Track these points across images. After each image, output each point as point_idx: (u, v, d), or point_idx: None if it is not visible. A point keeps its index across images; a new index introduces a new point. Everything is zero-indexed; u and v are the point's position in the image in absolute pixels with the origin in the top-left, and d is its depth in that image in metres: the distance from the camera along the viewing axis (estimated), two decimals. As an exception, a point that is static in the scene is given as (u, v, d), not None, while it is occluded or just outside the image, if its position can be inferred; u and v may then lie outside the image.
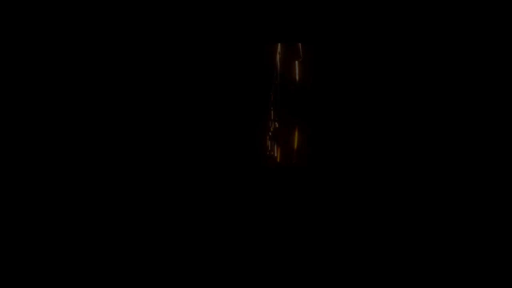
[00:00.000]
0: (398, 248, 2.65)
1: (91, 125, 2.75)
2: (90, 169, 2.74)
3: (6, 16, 2.67)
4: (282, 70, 3.20)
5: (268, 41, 2.95)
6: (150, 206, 2.75)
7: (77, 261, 2.61)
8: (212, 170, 2.81)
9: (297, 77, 3.20)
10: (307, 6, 2.81)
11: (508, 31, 2.60)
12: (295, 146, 3.17)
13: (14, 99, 2.68)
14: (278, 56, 3.23)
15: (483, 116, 2.65)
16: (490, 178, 2.64)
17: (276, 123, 3.20)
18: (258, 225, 2.77)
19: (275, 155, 3.21)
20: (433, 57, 2.72)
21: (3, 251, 2.57)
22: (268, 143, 3.20)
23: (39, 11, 2.70)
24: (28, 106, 2.69)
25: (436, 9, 2.69)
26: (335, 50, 2.83)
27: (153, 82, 2.79)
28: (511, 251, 2.52)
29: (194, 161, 2.80)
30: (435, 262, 2.60)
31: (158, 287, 2.57)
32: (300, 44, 3.14)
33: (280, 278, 2.59)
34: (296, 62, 3.20)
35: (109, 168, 2.75)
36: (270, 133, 3.19)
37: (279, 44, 3.17)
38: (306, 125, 3.08)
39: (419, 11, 2.72)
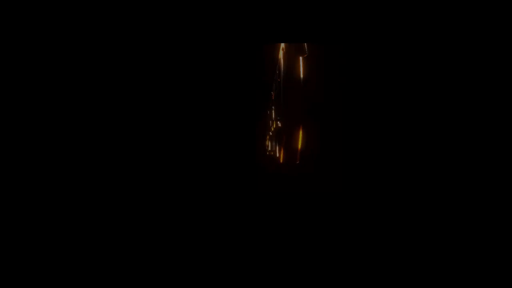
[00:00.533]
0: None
1: (88, 126, 2.78)
2: (86, 170, 2.77)
3: (6, 16, 2.75)
4: (286, 67, 3.07)
5: (266, 41, 2.82)
6: (137, 208, 2.75)
7: (77, 261, 2.65)
8: (204, 171, 2.75)
9: (301, 74, 3.05)
10: (307, 5, 2.67)
11: None
12: (299, 146, 3.03)
13: (13, 99, 2.76)
14: (281, 52, 3.10)
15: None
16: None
17: (278, 122, 3.07)
18: (252, 228, 2.68)
19: (277, 155, 3.08)
20: (435, 58, 2.49)
21: (3, 251, 2.66)
22: (268, 143, 3.08)
23: (39, 11, 2.77)
24: (27, 107, 2.77)
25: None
26: (355, 49, 2.67)
27: (147, 79, 2.77)
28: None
29: (186, 162, 2.76)
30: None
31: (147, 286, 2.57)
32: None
33: None
34: (301, 58, 3.06)
35: (101, 167, 2.77)
36: (270, 133, 3.07)
37: (282, 40, 3.04)
38: (312, 124, 2.93)
39: (419, 9, 2.50)
